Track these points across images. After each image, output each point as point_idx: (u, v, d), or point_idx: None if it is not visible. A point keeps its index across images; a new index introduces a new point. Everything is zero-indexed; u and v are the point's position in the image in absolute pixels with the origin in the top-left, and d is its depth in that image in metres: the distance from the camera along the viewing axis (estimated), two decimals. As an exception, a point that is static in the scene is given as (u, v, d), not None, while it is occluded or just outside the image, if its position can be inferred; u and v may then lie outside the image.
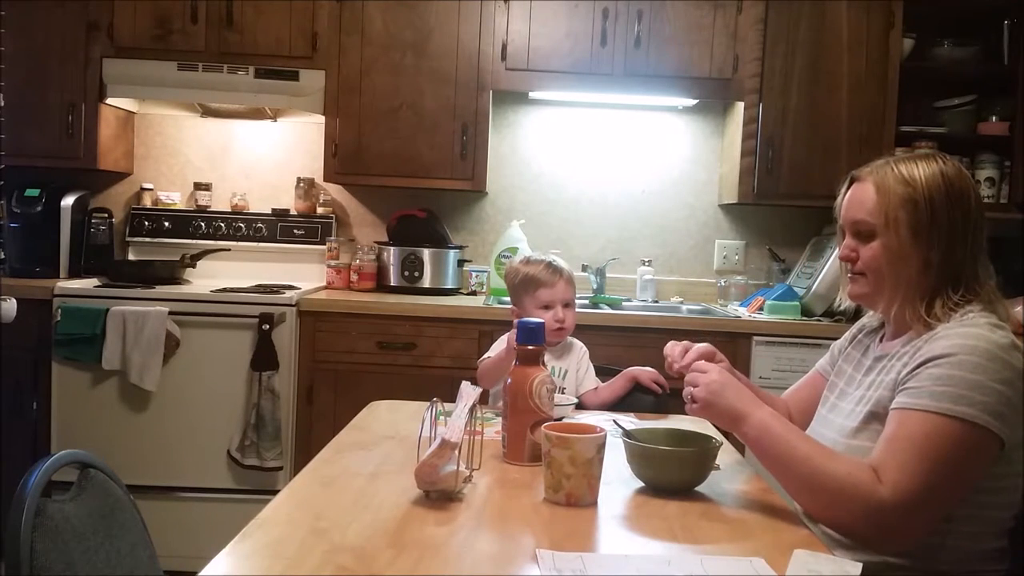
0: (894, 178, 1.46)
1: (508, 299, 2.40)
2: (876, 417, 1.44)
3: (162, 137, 3.82)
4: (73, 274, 3.50)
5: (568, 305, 2.27)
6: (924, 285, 1.45)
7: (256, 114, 3.72)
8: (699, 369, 1.54)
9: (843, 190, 1.56)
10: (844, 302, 1.62)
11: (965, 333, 1.36)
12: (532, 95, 3.65)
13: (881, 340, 1.59)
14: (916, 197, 1.43)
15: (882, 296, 1.51)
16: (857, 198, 1.51)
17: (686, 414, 1.58)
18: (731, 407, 1.48)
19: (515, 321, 2.06)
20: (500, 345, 2.20)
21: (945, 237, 1.43)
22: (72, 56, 3.39)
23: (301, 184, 3.76)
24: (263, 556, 1.15)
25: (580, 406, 2.16)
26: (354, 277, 3.61)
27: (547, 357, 2.21)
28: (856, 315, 1.73)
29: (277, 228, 3.72)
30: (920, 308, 1.45)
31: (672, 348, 1.68)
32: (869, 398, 1.48)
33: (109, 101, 3.48)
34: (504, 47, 3.41)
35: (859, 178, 1.52)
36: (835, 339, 3.05)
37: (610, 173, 3.82)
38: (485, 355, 2.25)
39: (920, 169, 1.45)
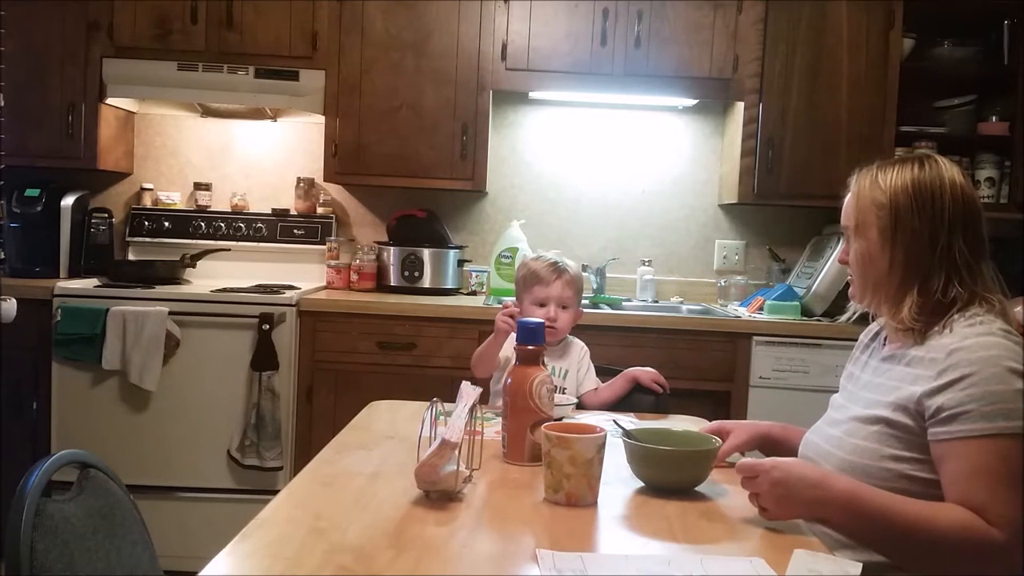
0: (869, 182, 1.51)
1: (508, 299, 2.41)
2: (885, 421, 1.44)
3: (162, 137, 3.82)
4: (73, 274, 3.50)
5: (566, 307, 2.27)
6: (892, 285, 1.49)
7: (256, 114, 3.72)
8: (748, 473, 1.37)
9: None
10: (852, 306, 1.65)
11: (986, 343, 1.36)
12: (532, 95, 3.65)
13: (885, 342, 1.59)
14: (883, 200, 1.47)
15: (861, 297, 1.57)
16: (845, 204, 1.57)
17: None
18: (808, 500, 1.33)
19: (506, 301, 2.06)
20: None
21: (908, 239, 1.46)
22: (72, 56, 3.39)
23: (301, 184, 3.76)
24: (263, 556, 1.15)
25: (580, 406, 2.16)
26: (354, 277, 3.61)
27: (547, 357, 2.22)
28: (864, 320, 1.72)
29: (277, 228, 3.72)
30: (885, 310, 1.51)
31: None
32: (878, 401, 1.48)
33: (109, 101, 3.48)
34: (504, 47, 3.41)
35: (849, 184, 1.57)
36: (835, 339, 3.10)
37: (610, 173, 3.82)
38: None
39: (893, 173, 1.49)
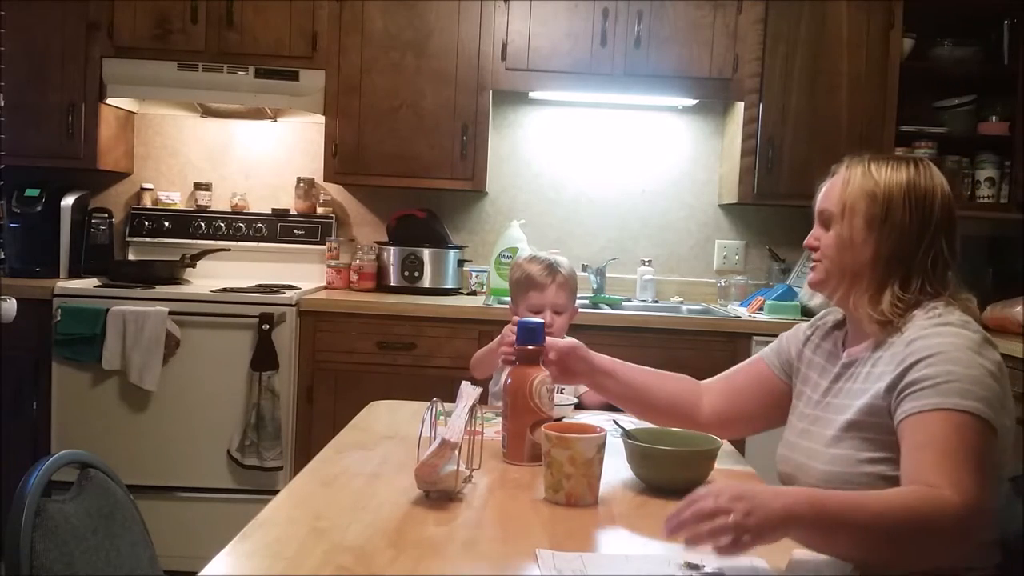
0: (861, 172, 1.50)
1: (508, 299, 2.40)
2: (856, 425, 1.42)
3: (162, 137, 3.82)
4: (73, 274, 3.50)
5: (559, 312, 2.25)
6: (871, 277, 1.48)
7: (256, 114, 3.72)
8: (699, 504, 1.14)
9: (823, 182, 1.59)
10: (807, 296, 1.63)
11: (945, 331, 1.37)
12: (532, 95, 3.65)
13: (845, 344, 1.58)
14: (876, 191, 1.47)
15: (832, 284, 1.53)
16: (827, 189, 1.55)
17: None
18: (778, 506, 1.15)
19: (507, 333, 2.00)
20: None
21: (897, 234, 1.46)
22: (72, 56, 3.39)
23: (301, 184, 3.76)
24: (263, 556, 1.15)
25: (580, 406, 2.16)
26: (354, 277, 3.61)
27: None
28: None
29: (277, 228, 3.72)
30: (865, 300, 1.48)
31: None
32: (847, 407, 1.46)
33: (109, 101, 3.48)
34: (504, 47, 3.41)
35: (835, 171, 1.56)
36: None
37: (610, 173, 3.82)
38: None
39: (888, 168, 1.49)
